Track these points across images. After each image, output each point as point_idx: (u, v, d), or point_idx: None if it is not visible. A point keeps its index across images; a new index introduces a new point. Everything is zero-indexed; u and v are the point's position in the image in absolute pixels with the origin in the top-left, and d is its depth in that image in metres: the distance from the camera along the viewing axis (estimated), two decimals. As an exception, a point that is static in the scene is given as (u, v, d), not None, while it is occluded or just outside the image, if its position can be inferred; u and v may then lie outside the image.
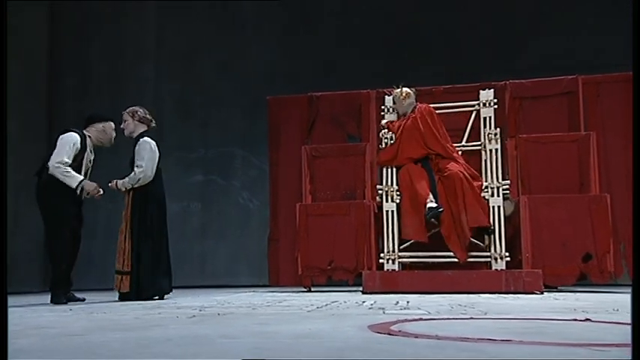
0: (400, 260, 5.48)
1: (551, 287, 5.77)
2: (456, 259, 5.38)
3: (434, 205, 5.24)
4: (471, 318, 2.50)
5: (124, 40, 8.87)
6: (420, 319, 2.40)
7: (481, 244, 5.45)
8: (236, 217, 8.55)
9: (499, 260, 5.25)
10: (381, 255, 5.48)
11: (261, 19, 8.79)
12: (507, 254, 5.26)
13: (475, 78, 6.46)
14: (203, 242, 8.65)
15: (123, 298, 4.49)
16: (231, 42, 8.77)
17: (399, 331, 1.88)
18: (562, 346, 1.54)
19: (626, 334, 1.94)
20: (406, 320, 2.32)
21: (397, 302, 3.65)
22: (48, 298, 4.36)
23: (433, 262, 5.54)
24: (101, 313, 3.04)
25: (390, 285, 5.15)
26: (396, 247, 5.46)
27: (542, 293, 4.81)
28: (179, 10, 8.93)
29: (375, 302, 3.66)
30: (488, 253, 5.34)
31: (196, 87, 8.77)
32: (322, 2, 8.72)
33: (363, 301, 3.74)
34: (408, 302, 3.73)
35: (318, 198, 6.21)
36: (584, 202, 5.39)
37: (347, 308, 3.09)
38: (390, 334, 1.80)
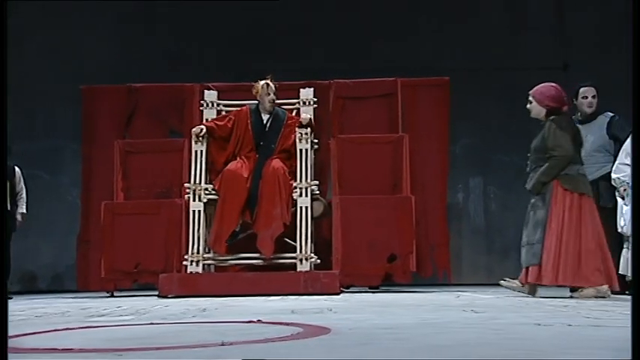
0: (205, 262, 5.23)
1: (374, 287, 5.77)
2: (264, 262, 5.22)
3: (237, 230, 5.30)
4: (131, 324, 2.30)
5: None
6: (67, 329, 2.17)
7: (294, 243, 5.31)
8: (63, 217, 7.94)
9: (304, 261, 5.14)
10: (185, 257, 5.20)
11: (97, 5, 8.24)
12: (313, 255, 5.16)
13: (320, 77, 6.29)
14: (26, 244, 7.94)
15: None
16: (63, 28, 8.16)
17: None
18: (94, 352, 1.37)
19: (273, 331, 1.81)
20: (54, 330, 2.09)
21: (138, 310, 3.31)
22: None
23: (247, 264, 5.36)
24: None
25: (189, 288, 4.89)
26: (201, 248, 5.21)
27: (338, 294, 4.73)
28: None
29: (116, 310, 3.34)
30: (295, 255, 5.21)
31: (22, 74, 8.05)
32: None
33: (104, 309, 3.39)
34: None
35: (132, 196, 5.84)
36: (390, 203, 5.42)
37: (68, 317, 2.79)
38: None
